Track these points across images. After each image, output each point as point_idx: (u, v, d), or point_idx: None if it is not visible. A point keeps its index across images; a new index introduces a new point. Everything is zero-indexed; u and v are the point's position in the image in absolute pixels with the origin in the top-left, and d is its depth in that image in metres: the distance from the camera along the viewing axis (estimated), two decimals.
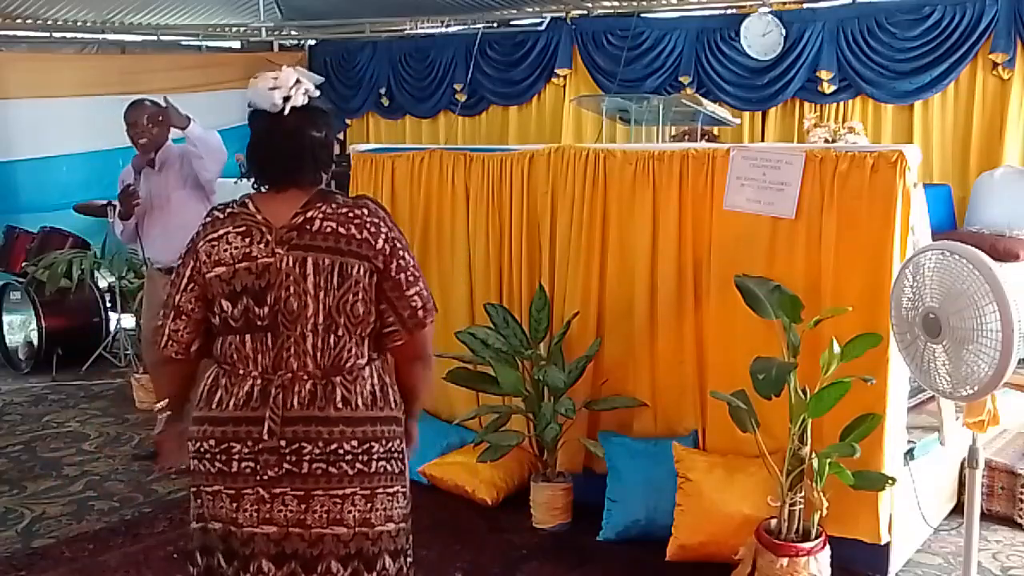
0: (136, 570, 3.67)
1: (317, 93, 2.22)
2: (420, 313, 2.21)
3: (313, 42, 10.14)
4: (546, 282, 4.19)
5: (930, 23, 6.49)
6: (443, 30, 9.02)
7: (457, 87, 8.80)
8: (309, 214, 2.15)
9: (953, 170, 6.57)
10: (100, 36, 9.01)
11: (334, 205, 2.17)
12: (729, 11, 7.48)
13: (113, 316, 6.75)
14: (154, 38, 9.21)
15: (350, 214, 2.16)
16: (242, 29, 9.80)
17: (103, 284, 6.85)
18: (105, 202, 6.52)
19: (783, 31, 7.05)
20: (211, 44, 10.00)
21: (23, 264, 6.86)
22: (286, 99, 2.15)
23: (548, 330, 4.11)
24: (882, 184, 3.37)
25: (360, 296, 2.14)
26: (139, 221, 4.70)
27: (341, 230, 2.13)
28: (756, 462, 3.45)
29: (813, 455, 3.22)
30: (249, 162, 2.25)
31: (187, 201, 4.61)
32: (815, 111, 7.01)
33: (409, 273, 2.19)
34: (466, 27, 8.74)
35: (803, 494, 3.28)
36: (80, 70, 8.64)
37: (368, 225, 2.15)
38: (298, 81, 2.18)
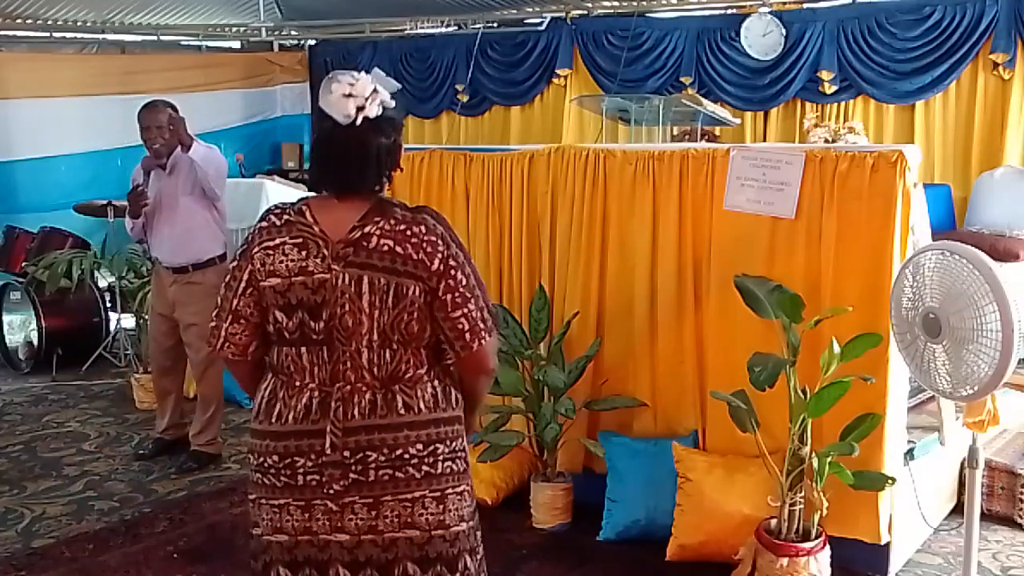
0: (136, 570, 3.66)
1: (392, 104, 2.15)
2: (467, 336, 2.13)
3: (313, 42, 10.15)
4: (546, 282, 4.19)
5: (931, 23, 6.49)
6: (443, 30, 9.03)
7: (459, 87, 8.81)
8: (367, 229, 2.09)
9: (953, 170, 6.58)
10: (100, 36, 9.01)
11: (392, 221, 2.10)
12: (729, 11, 7.48)
13: (113, 316, 6.74)
14: (154, 38, 9.21)
15: (408, 232, 2.09)
16: (242, 29, 9.81)
17: (103, 284, 6.85)
18: (105, 202, 6.53)
19: (783, 31, 7.05)
20: (211, 44, 10.00)
21: (23, 264, 6.86)
22: (359, 109, 2.08)
23: (548, 330, 4.10)
24: (882, 184, 3.37)
25: (415, 316, 2.11)
26: (147, 220, 4.74)
27: (398, 249, 2.08)
28: (756, 462, 3.45)
29: (813, 455, 3.22)
30: (312, 164, 2.21)
31: (194, 206, 4.67)
32: (816, 111, 7.01)
33: (457, 294, 2.11)
34: (466, 27, 8.75)
35: (803, 494, 3.28)
36: (80, 70, 8.64)
37: (425, 245, 2.09)
38: (375, 91, 2.11)
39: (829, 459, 3.18)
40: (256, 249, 2.12)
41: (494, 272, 4.40)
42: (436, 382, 2.18)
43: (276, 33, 9.96)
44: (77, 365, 6.70)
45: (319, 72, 10.10)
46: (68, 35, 8.87)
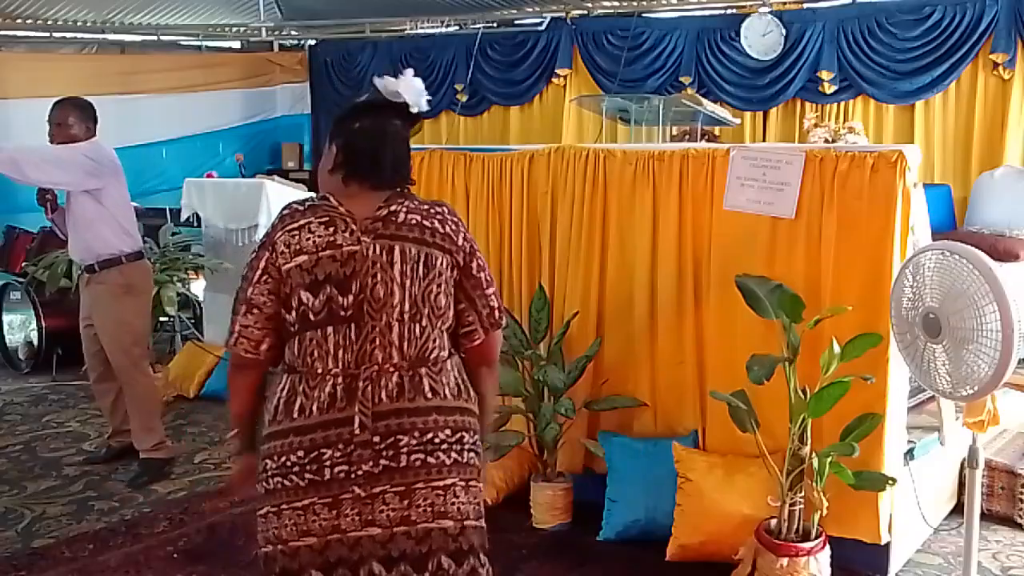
0: (136, 570, 3.66)
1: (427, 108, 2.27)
2: (497, 313, 2.25)
3: (313, 42, 10.15)
4: (546, 282, 4.19)
5: (931, 23, 6.50)
6: (443, 30, 9.03)
7: (458, 87, 8.81)
8: (392, 207, 2.16)
9: (953, 170, 6.58)
10: (100, 36, 9.02)
11: (416, 201, 2.20)
12: (729, 11, 7.49)
13: None
14: (154, 38, 9.22)
15: (432, 210, 2.20)
16: (242, 29, 9.81)
17: None
18: None
19: (783, 31, 7.06)
20: (211, 44, 10.01)
21: (23, 264, 6.85)
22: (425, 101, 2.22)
23: (548, 330, 4.10)
24: (882, 184, 3.37)
25: (443, 288, 2.16)
26: (60, 221, 4.71)
27: (425, 223, 2.16)
28: (756, 462, 3.45)
29: (813, 455, 3.22)
30: (351, 156, 2.19)
31: (86, 203, 4.50)
32: (816, 111, 7.01)
33: (488, 273, 2.24)
34: (466, 27, 8.75)
35: (803, 494, 3.28)
36: (80, 70, 8.65)
37: (449, 222, 2.19)
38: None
39: (829, 459, 3.18)
40: (279, 234, 2.12)
41: (494, 272, 4.35)
42: (457, 371, 2.21)
43: (276, 33, 9.96)
44: (77, 365, 6.65)
45: (319, 72, 10.11)
46: (68, 35, 8.88)
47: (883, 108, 6.89)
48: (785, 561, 3.21)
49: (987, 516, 3.98)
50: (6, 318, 7.01)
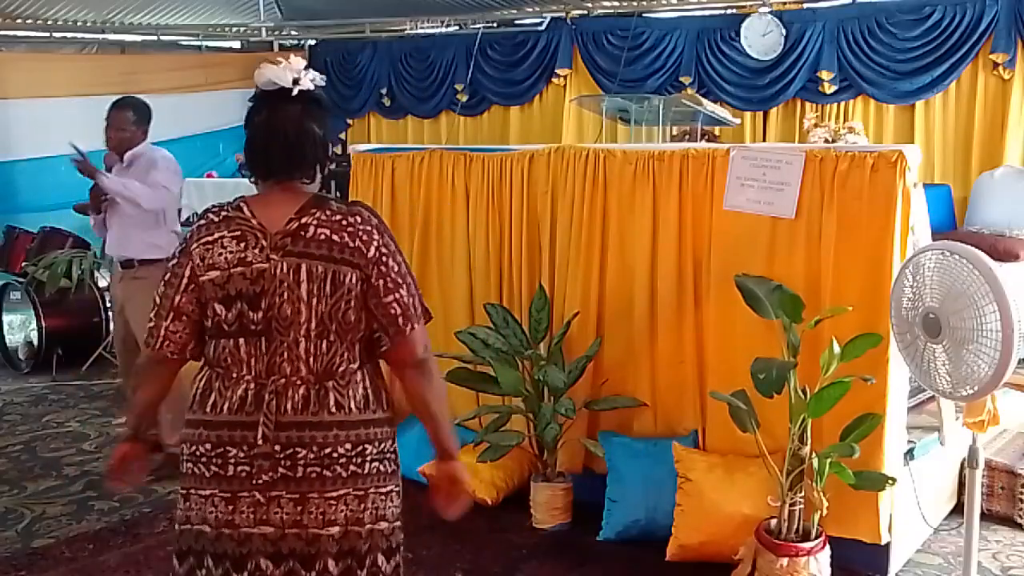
0: (136, 570, 3.66)
1: (323, 83, 2.25)
2: (400, 321, 2.17)
3: (313, 42, 10.14)
4: (546, 282, 4.19)
5: (931, 23, 6.49)
6: (443, 30, 9.03)
7: (458, 87, 8.80)
8: (304, 220, 2.15)
9: (953, 170, 6.57)
10: (100, 36, 9.02)
11: (328, 212, 2.17)
12: (729, 11, 7.48)
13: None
14: (154, 38, 9.21)
15: (343, 221, 2.15)
16: (242, 29, 9.81)
17: (103, 284, 6.84)
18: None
19: (783, 31, 7.05)
20: (211, 44, 10.00)
21: (23, 264, 6.85)
22: (295, 81, 2.17)
23: (548, 330, 4.10)
24: (882, 184, 3.37)
25: (352, 304, 2.15)
26: (105, 217, 4.81)
27: (335, 237, 2.14)
28: (756, 462, 3.45)
29: (813, 455, 3.22)
30: (248, 152, 2.24)
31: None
32: (816, 111, 7.01)
33: (389, 280, 2.16)
34: (466, 27, 8.75)
35: (803, 494, 3.28)
36: (80, 70, 8.64)
37: (361, 233, 2.15)
38: (307, 68, 2.21)
39: (829, 459, 3.18)
40: (195, 245, 2.17)
41: (494, 272, 4.40)
42: (367, 381, 2.22)
43: (276, 33, 9.95)
44: (77, 365, 6.70)
45: (320, 72, 10.09)
46: (68, 35, 8.87)
47: (883, 108, 6.88)
48: (785, 561, 3.21)
49: (987, 516, 3.98)
50: (6, 318, 7.01)
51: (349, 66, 9.61)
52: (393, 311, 2.17)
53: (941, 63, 6.49)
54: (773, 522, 3.34)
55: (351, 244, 2.14)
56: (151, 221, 4.69)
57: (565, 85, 8.32)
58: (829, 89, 6.98)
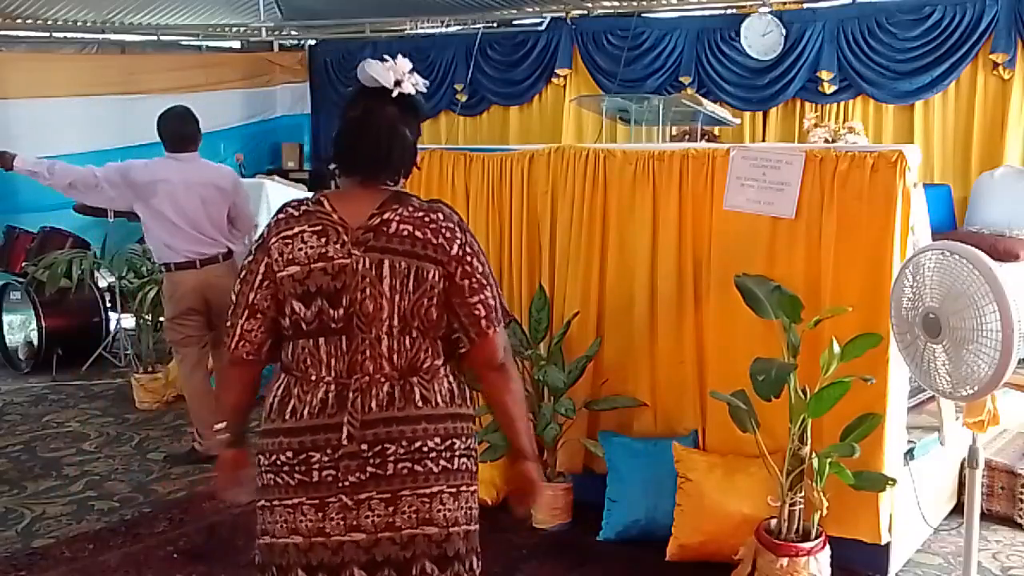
0: (136, 570, 3.66)
1: (425, 90, 2.19)
2: (483, 323, 2.13)
3: (313, 42, 10.16)
4: (546, 282, 4.19)
5: (930, 23, 6.50)
6: (443, 30, 9.03)
7: (458, 87, 8.81)
8: (386, 215, 2.10)
9: (953, 170, 6.58)
10: (100, 36, 9.02)
11: (410, 208, 2.12)
12: (729, 11, 7.49)
13: (113, 316, 6.75)
14: (154, 38, 9.22)
15: (426, 218, 2.11)
16: (242, 29, 9.81)
17: (103, 284, 6.84)
18: None
19: (783, 31, 7.06)
20: (211, 44, 10.01)
21: (23, 264, 6.85)
22: (398, 83, 2.12)
23: (548, 330, 4.10)
24: (882, 184, 3.37)
25: (435, 301, 2.10)
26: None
27: (417, 234, 2.09)
28: (756, 462, 3.45)
29: (813, 455, 3.22)
30: (336, 146, 2.18)
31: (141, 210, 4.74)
32: (815, 111, 7.01)
33: (475, 280, 2.13)
34: (466, 27, 8.75)
35: (803, 494, 3.28)
36: (80, 70, 8.65)
37: (444, 230, 2.11)
38: (413, 71, 2.15)
39: (829, 459, 3.18)
40: (274, 239, 2.11)
41: (494, 272, 4.39)
42: (451, 377, 2.18)
43: (276, 33, 9.96)
44: (77, 365, 6.70)
45: (319, 72, 10.11)
46: (68, 35, 8.87)
47: (883, 108, 6.89)
48: (785, 561, 3.21)
49: (987, 516, 3.98)
50: (6, 318, 7.01)
51: (349, 66, 9.60)
52: (477, 312, 2.13)
53: (941, 63, 6.50)
54: (773, 522, 3.34)
55: (434, 241, 2.10)
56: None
57: (565, 85, 8.32)
58: (829, 89, 6.99)
